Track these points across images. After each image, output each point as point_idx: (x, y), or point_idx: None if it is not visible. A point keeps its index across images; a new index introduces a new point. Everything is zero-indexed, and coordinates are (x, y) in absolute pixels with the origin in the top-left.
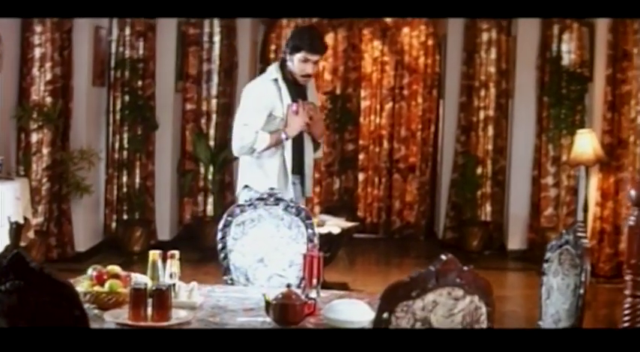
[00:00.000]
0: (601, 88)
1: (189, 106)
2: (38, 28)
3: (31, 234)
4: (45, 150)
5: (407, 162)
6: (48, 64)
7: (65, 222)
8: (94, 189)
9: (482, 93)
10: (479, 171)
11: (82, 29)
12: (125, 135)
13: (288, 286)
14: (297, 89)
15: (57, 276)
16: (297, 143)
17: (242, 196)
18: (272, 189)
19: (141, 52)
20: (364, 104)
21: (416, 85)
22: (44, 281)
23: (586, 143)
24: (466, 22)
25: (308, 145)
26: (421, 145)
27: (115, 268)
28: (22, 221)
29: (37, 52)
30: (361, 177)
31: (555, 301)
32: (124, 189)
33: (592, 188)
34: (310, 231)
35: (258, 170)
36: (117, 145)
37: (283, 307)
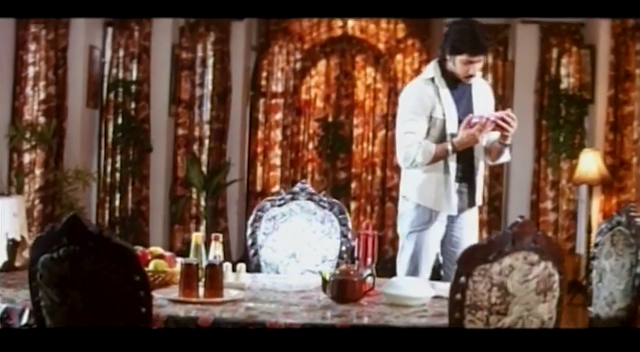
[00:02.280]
0: (603, 109)
1: (181, 131)
2: (32, 46)
3: (26, 254)
4: (38, 171)
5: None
6: (42, 83)
7: None
8: (87, 211)
9: None
10: None
11: (77, 48)
12: (118, 158)
13: (347, 262)
14: (459, 88)
15: (117, 240)
16: (468, 147)
17: (400, 208)
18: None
19: (134, 74)
20: (357, 132)
21: None
22: (103, 245)
23: (590, 162)
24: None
25: (480, 149)
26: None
27: (158, 249)
28: (18, 238)
29: (31, 71)
30: (353, 205)
31: (608, 283)
32: (117, 213)
33: (594, 209)
34: (344, 226)
35: (416, 178)
36: (109, 168)
37: (342, 283)
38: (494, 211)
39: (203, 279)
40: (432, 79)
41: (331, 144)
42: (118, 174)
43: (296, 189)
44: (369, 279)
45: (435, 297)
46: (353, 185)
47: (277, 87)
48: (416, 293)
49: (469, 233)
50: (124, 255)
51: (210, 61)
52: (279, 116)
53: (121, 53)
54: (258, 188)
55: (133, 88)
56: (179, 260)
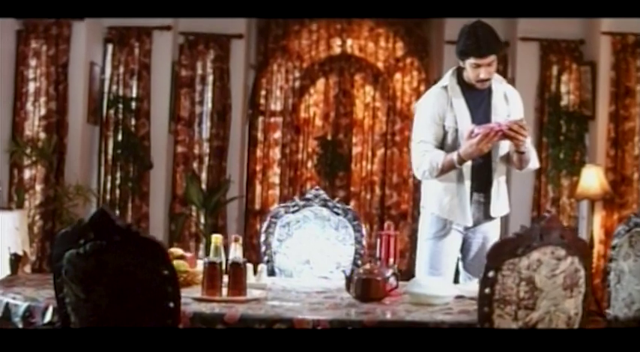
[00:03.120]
0: (604, 125)
1: (180, 149)
2: (33, 62)
3: (27, 270)
4: (38, 187)
5: (399, 209)
6: (42, 99)
7: None
8: None
9: None
10: None
11: (78, 64)
12: (118, 175)
13: (371, 261)
14: (477, 95)
15: (145, 234)
16: (485, 155)
17: (421, 216)
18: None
19: (134, 91)
20: (355, 150)
21: (408, 131)
22: (130, 239)
23: (593, 177)
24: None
25: (499, 158)
26: (413, 192)
27: (179, 250)
28: (20, 252)
29: (32, 87)
30: None
31: (627, 284)
32: None
33: (596, 225)
34: (358, 233)
35: (433, 187)
36: (109, 185)
37: (366, 282)
38: None
39: (225, 280)
40: (446, 87)
41: (330, 162)
42: (117, 191)
43: (310, 195)
44: (392, 279)
45: (458, 297)
46: (352, 203)
47: (276, 105)
48: (440, 291)
49: (488, 245)
50: (152, 249)
51: (209, 79)
52: (277, 134)
53: (121, 70)
54: (257, 206)
55: (133, 104)
56: (200, 261)
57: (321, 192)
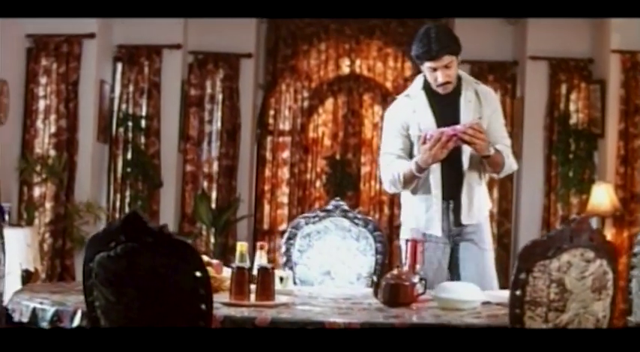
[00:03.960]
0: (613, 142)
1: (189, 168)
2: (43, 80)
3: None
4: (48, 205)
5: None
6: (53, 117)
7: (68, 278)
8: None
9: None
10: None
11: (88, 82)
12: (127, 193)
13: (398, 266)
14: (444, 100)
15: (177, 236)
16: (453, 160)
17: (401, 234)
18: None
19: (144, 109)
20: (364, 170)
21: None
22: (162, 241)
23: (603, 194)
24: None
25: (471, 164)
26: None
27: (204, 257)
28: (32, 269)
29: (42, 104)
30: None
31: None
32: None
33: None
34: (379, 243)
35: (409, 200)
36: (118, 204)
37: (394, 287)
38: (503, 248)
39: (252, 286)
40: (408, 95)
41: (339, 182)
42: (127, 209)
43: (330, 206)
44: (418, 285)
45: (484, 303)
46: None
47: (284, 125)
48: (468, 296)
49: (471, 257)
50: (185, 251)
51: (219, 98)
52: (286, 154)
53: (131, 88)
54: (265, 226)
55: (143, 123)
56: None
57: (342, 203)
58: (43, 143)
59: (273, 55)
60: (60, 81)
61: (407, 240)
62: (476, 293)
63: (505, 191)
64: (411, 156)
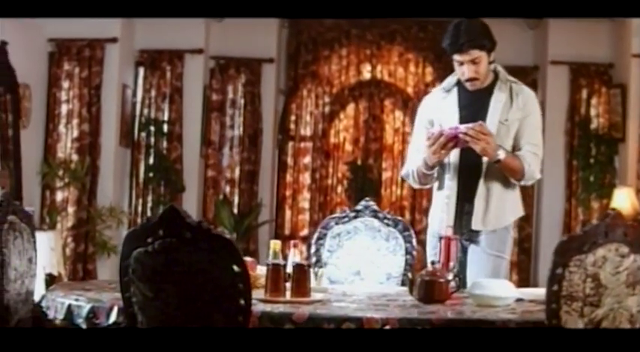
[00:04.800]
0: (634, 147)
1: (210, 173)
2: (65, 84)
3: None
4: (70, 209)
5: None
6: (75, 121)
7: None
8: (119, 250)
9: None
10: None
11: (111, 86)
12: (149, 198)
13: (433, 263)
14: (473, 98)
15: (216, 230)
16: (472, 162)
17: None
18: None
19: (166, 114)
20: (385, 175)
21: None
22: (201, 236)
23: (624, 199)
24: None
25: (491, 165)
26: None
27: None
28: (55, 273)
29: (64, 108)
30: None
31: None
32: None
33: None
34: (408, 243)
35: (434, 195)
36: (140, 209)
37: (429, 284)
38: (524, 252)
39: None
40: (442, 89)
41: (360, 187)
42: (149, 214)
43: (360, 206)
44: (452, 282)
45: (517, 300)
46: None
47: (306, 130)
48: (502, 293)
49: (476, 261)
50: (224, 245)
51: (240, 103)
52: (307, 159)
53: (153, 93)
54: (287, 231)
55: (165, 127)
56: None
57: (372, 203)
58: (66, 147)
59: (294, 61)
60: (82, 85)
61: (440, 238)
62: (510, 290)
63: (526, 195)
64: None
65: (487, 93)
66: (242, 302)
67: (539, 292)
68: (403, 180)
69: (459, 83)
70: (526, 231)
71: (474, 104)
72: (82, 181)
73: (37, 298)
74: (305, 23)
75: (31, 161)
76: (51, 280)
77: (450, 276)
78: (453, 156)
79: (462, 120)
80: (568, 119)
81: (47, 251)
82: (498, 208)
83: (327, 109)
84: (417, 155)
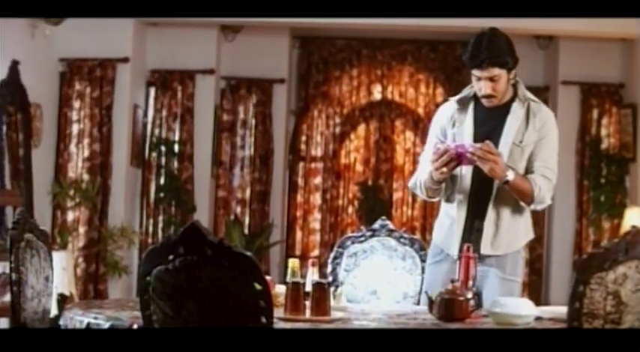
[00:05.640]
0: None
1: (221, 193)
2: (77, 104)
3: None
4: (81, 229)
5: None
6: (86, 141)
7: None
8: (130, 270)
9: None
10: None
11: (122, 106)
12: (160, 218)
13: (453, 281)
14: (490, 115)
15: (237, 248)
16: (484, 182)
17: None
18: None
19: (177, 134)
20: (396, 195)
21: None
22: (223, 254)
23: (635, 219)
24: None
25: (501, 188)
26: None
27: None
28: (67, 293)
29: (75, 128)
30: None
31: None
32: None
33: None
34: (425, 262)
35: (442, 206)
36: (151, 229)
37: (449, 302)
38: (535, 273)
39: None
40: (459, 101)
41: (371, 207)
42: (160, 234)
43: (376, 226)
44: (472, 301)
45: (537, 318)
46: None
47: (317, 151)
48: (522, 311)
49: (494, 286)
50: (245, 263)
51: (251, 123)
52: (318, 180)
53: (164, 113)
54: (297, 252)
55: (176, 147)
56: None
57: (388, 222)
58: (77, 167)
59: (305, 81)
60: (93, 105)
61: (460, 257)
62: (529, 308)
63: (537, 216)
64: None
65: (504, 110)
66: (264, 320)
67: (559, 310)
68: (414, 200)
69: (475, 97)
70: (537, 251)
71: (489, 122)
72: (93, 201)
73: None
74: (316, 44)
75: (42, 181)
76: (62, 300)
77: (470, 294)
78: (466, 170)
79: (477, 138)
80: (579, 139)
81: (59, 271)
82: (509, 232)
83: (337, 130)
84: (426, 166)
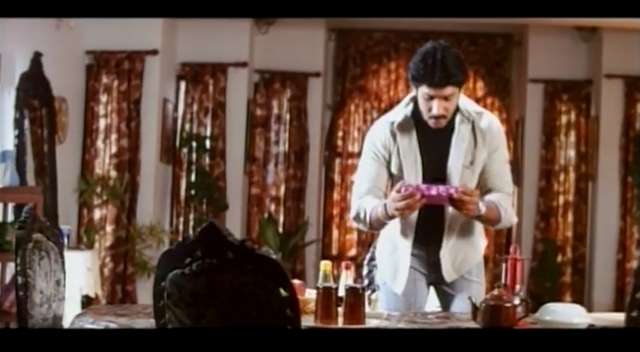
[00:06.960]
0: None
1: (254, 190)
2: (104, 98)
3: None
4: (109, 228)
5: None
6: (114, 136)
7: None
8: None
9: (562, 177)
10: (558, 258)
11: (151, 100)
12: (191, 216)
13: (499, 286)
14: (433, 136)
15: (261, 251)
16: (433, 212)
17: None
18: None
19: (209, 129)
20: None
21: None
22: (245, 257)
23: None
24: (544, 105)
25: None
26: (494, 236)
27: None
28: (92, 294)
29: (102, 123)
30: None
31: None
32: None
33: None
34: None
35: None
36: (181, 227)
37: (495, 309)
38: (578, 273)
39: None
40: (393, 123)
41: None
42: (191, 233)
43: None
44: (520, 307)
45: (589, 326)
46: None
47: (353, 147)
48: (574, 319)
49: (468, 291)
50: (270, 267)
51: (286, 118)
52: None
53: (195, 107)
54: (334, 251)
55: (208, 143)
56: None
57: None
58: (104, 163)
59: (341, 75)
60: (121, 99)
61: (507, 258)
62: (582, 316)
63: (580, 215)
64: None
65: (448, 130)
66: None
67: (613, 317)
68: None
69: (415, 117)
70: (580, 250)
71: (434, 145)
72: (121, 199)
73: (66, 324)
74: (353, 36)
75: (67, 178)
76: (88, 302)
77: (517, 300)
78: None
79: (426, 166)
80: (622, 134)
81: (84, 271)
82: (468, 253)
83: None
84: (365, 195)
